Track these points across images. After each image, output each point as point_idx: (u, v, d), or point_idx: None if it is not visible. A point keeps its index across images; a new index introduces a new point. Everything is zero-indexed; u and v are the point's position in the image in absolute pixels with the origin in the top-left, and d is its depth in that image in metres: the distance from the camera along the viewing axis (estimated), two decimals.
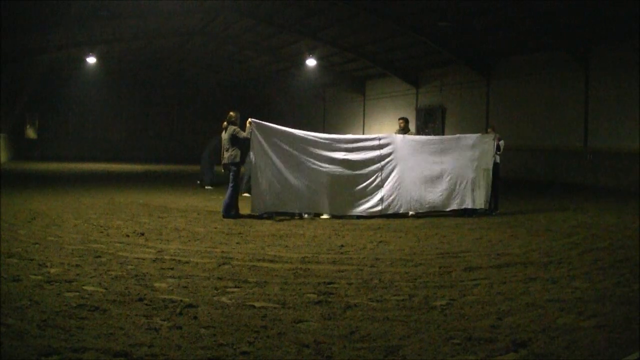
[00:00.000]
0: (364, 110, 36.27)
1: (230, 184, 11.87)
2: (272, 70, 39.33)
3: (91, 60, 32.47)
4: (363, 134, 30.53)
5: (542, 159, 23.76)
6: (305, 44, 29.62)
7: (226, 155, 11.97)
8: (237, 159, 11.89)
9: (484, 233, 10.28)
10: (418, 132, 26.11)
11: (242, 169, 12.99)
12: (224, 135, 12.04)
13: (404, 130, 13.77)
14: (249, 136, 11.62)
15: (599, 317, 5.23)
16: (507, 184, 21.52)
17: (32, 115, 40.50)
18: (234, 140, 11.85)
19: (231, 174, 11.92)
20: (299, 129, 12.73)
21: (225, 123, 12.09)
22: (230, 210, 11.69)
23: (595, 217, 12.71)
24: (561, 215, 12.89)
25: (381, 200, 12.44)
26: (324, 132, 14.29)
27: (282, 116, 43.03)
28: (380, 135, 13.24)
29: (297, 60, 32.86)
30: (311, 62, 31.33)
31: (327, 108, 40.68)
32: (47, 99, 39.60)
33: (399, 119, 14.32)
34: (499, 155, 13.54)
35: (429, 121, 29.83)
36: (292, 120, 39.47)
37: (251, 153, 11.77)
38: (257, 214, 11.56)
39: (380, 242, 9.21)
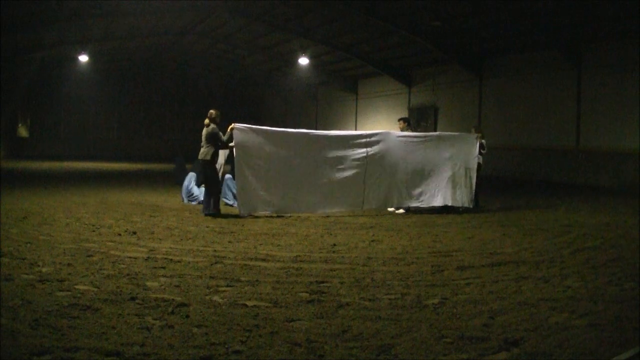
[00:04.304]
0: (356, 109, 36.28)
1: (208, 182, 11.88)
2: (265, 69, 39.33)
3: (84, 58, 32.38)
4: None
5: (535, 158, 23.82)
6: (297, 43, 29.59)
7: (200, 151, 12.00)
8: (208, 157, 11.82)
9: (476, 232, 10.30)
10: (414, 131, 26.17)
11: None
12: (203, 132, 12.03)
13: (404, 131, 13.75)
14: (226, 140, 11.65)
15: (591, 315, 5.25)
16: (499, 183, 21.62)
17: (24, 113, 40.32)
18: (210, 138, 11.83)
19: (207, 171, 11.93)
20: (292, 127, 12.76)
21: (207, 120, 12.05)
22: (210, 207, 11.71)
23: (588, 216, 12.75)
24: (553, 215, 12.93)
25: (364, 196, 12.55)
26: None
27: (275, 115, 43.11)
28: (366, 132, 13.33)
29: (290, 59, 32.86)
30: (304, 61, 31.32)
31: (319, 107, 40.67)
32: (40, 97, 39.50)
33: (399, 120, 14.28)
34: (482, 155, 13.63)
35: (422, 120, 29.87)
36: (285, 119, 39.61)
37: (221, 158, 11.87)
38: (244, 215, 11.62)
39: (373, 241, 9.22)
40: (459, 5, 21.01)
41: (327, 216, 12.02)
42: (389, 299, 5.76)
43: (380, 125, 28.40)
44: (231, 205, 13.06)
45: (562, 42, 21.59)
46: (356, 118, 36.14)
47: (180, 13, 26.84)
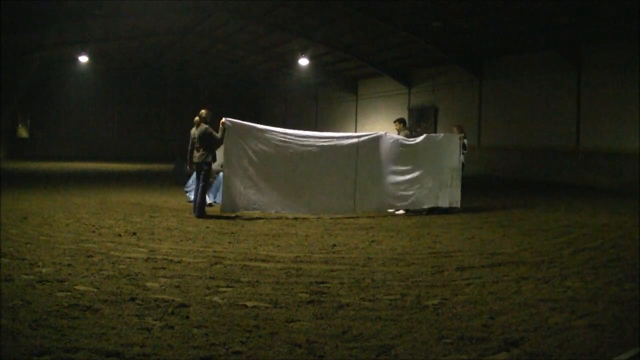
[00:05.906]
0: (356, 109, 36.28)
1: (201, 184, 11.84)
2: (265, 69, 39.30)
3: (84, 59, 32.37)
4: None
5: (535, 158, 23.81)
6: (297, 44, 29.58)
7: (197, 154, 11.88)
8: (209, 159, 11.81)
9: (476, 232, 10.30)
10: (410, 132, 26.18)
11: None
12: (195, 133, 11.96)
13: (401, 132, 13.74)
14: (220, 138, 11.62)
15: (591, 316, 5.25)
16: (499, 183, 21.62)
17: (24, 114, 40.30)
18: (206, 138, 11.80)
19: (202, 173, 11.88)
20: (291, 128, 12.73)
21: (197, 118, 12.00)
22: (203, 210, 11.67)
23: (588, 216, 12.75)
24: (553, 215, 12.92)
25: (354, 199, 12.47)
26: (316, 131, 14.18)
27: (275, 115, 43.07)
28: (356, 133, 13.33)
29: (290, 59, 32.85)
30: (304, 62, 31.31)
31: (319, 107, 40.67)
32: (40, 98, 39.41)
33: (394, 121, 14.26)
34: (464, 154, 13.63)
35: (422, 121, 29.89)
36: (285, 120, 39.56)
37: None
38: (229, 213, 11.58)
39: (373, 241, 9.22)
40: (459, 6, 20.99)
41: (331, 218, 11.97)
42: (389, 300, 5.76)
43: (380, 126, 28.39)
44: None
45: (562, 42, 21.59)
46: (356, 118, 36.14)
47: (180, 13, 26.82)
